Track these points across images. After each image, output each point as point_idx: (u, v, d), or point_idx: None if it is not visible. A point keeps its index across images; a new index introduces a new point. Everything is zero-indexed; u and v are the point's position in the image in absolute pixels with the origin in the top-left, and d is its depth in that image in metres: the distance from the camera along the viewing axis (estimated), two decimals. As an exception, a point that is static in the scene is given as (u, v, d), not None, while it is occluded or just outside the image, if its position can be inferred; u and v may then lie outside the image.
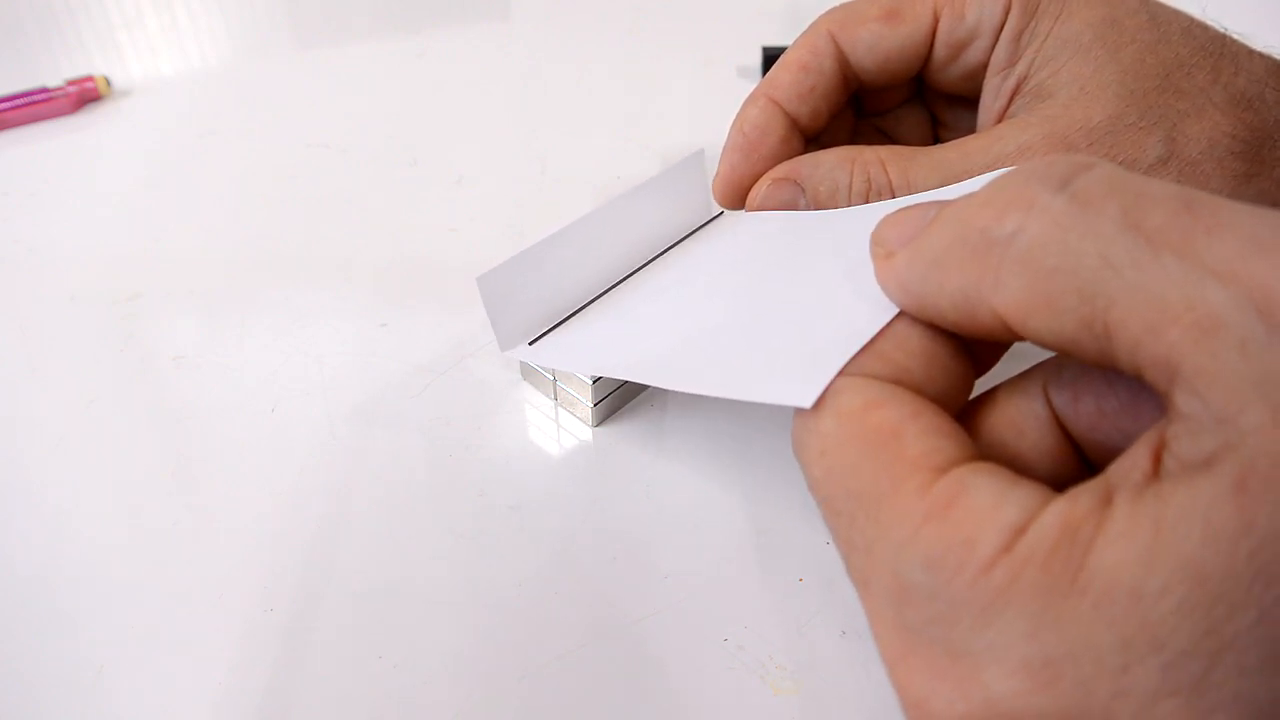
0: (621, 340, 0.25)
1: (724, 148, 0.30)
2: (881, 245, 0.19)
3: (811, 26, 0.30)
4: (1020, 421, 0.18)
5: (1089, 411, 0.17)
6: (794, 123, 0.28)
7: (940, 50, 0.29)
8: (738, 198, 0.29)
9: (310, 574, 0.23)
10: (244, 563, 0.24)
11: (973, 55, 0.28)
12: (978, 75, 0.29)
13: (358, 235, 0.35)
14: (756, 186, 0.28)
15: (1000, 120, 0.27)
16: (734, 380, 0.21)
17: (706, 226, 0.29)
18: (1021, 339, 0.16)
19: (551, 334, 0.26)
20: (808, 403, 0.17)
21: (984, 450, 0.17)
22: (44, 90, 0.43)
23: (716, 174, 0.30)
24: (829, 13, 0.30)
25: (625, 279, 0.28)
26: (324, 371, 0.29)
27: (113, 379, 0.29)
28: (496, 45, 0.49)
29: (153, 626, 0.22)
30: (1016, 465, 0.17)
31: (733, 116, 0.29)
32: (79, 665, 0.22)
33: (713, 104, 0.32)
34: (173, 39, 0.50)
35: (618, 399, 0.27)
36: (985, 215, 0.16)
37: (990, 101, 0.28)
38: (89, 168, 0.40)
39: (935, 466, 0.15)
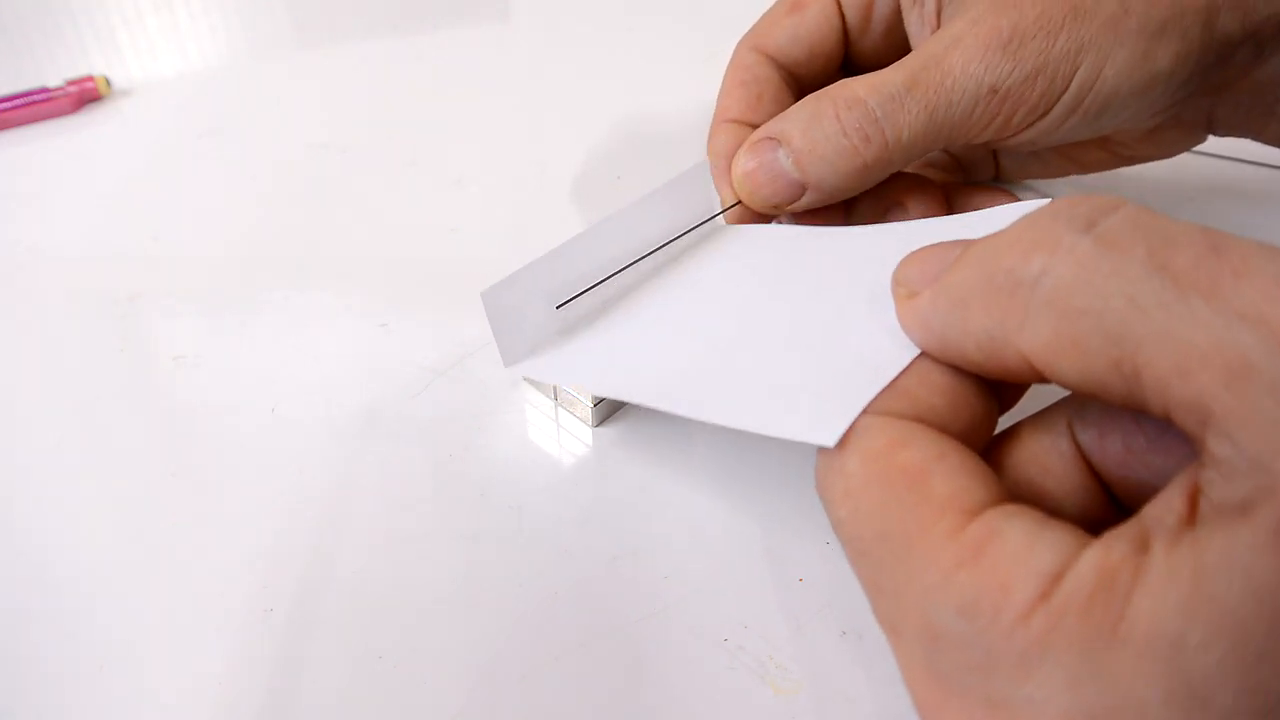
0: (631, 360, 0.24)
1: (715, 184, 0.31)
2: (903, 285, 0.19)
3: (733, 53, 0.32)
4: (1046, 459, 0.18)
5: (1116, 449, 0.17)
6: None
7: (852, 15, 0.30)
8: (750, 223, 0.29)
9: (310, 574, 0.23)
10: (244, 563, 0.24)
11: (884, 5, 0.29)
12: (898, 27, 0.30)
13: (358, 235, 0.35)
14: (735, 159, 0.28)
15: None
16: (751, 411, 0.20)
17: (716, 239, 0.29)
18: (1047, 381, 0.16)
19: (556, 350, 0.25)
20: (831, 441, 0.17)
21: (1010, 489, 0.17)
22: (44, 90, 0.43)
23: (721, 207, 0.30)
24: (743, 37, 0.32)
25: (633, 292, 0.27)
26: (324, 371, 0.29)
27: (113, 379, 0.29)
28: (496, 45, 0.49)
29: (153, 626, 0.22)
30: (1044, 504, 0.17)
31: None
32: (79, 664, 0.22)
33: (714, 104, 0.32)
34: (173, 39, 0.50)
35: (618, 399, 0.27)
36: (1011, 256, 0.16)
37: (918, 32, 0.29)
38: (89, 168, 0.40)
39: (964, 509, 0.15)
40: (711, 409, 0.20)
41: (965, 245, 0.17)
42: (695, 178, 0.28)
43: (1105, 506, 0.17)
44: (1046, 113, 0.25)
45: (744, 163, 0.28)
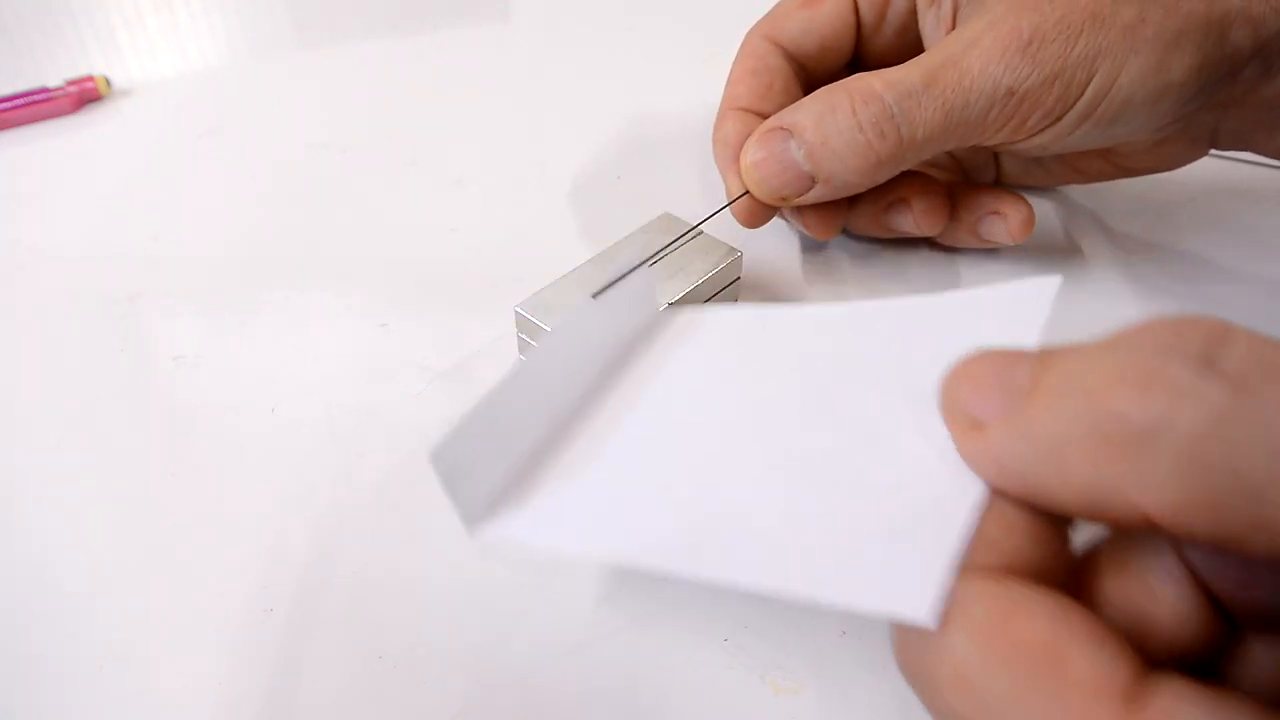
0: (626, 510, 0.19)
1: (720, 172, 0.31)
2: (962, 413, 0.16)
3: (744, 41, 0.31)
4: (1154, 584, 0.15)
5: (1233, 569, 0.15)
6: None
7: (866, 12, 0.30)
8: (756, 213, 0.29)
9: (310, 574, 0.23)
10: (244, 562, 0.24)
11: (899, 5, 0.29)
12: (911, 27, 0.30)
13: (358, 235, 0.35)
14: (745, 149, 0.28)
15: None
16: (801, 575, 0.16)
17: (680, 336, 0.23)
18: (1167, 533, 0.14)
19: (531, 503, 0.20)
20: (931, 619, 0.14)
21: (1115, 618, 0.15)
22: (44, 90, 0.43)
23: (727, 196, 0.30)
24: (755, 25, 0.31)
25: (599, 421, 0.21)
26: (324, 371, 0.29)
27: (113, 379, 0.29)
28: (496, 45, 0.49)
29: (153, 626, 0.22)
30: (1158, 634, 0.15)
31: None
32: (79, 663, 0.22)
33: (715, 104, 0.32)
34: (173, 39, 0.50)
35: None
36: (1119, 398, 0.14)
37: (934, 33, 0.29)
38: (89, 168, 0.40)
39: (1117, 692, 0.13)
40: (752, 574, 0.16)
41: (1034, 364, 0.15)
42: (637, 281, 0.23)
43: (1221, 626, 0.16)
44: (1060, 118, 0.25)
45: (754, 152, 0.28)
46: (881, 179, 0.27)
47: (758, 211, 0.29)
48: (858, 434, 0.18)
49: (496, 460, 0.20)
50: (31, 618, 0.23)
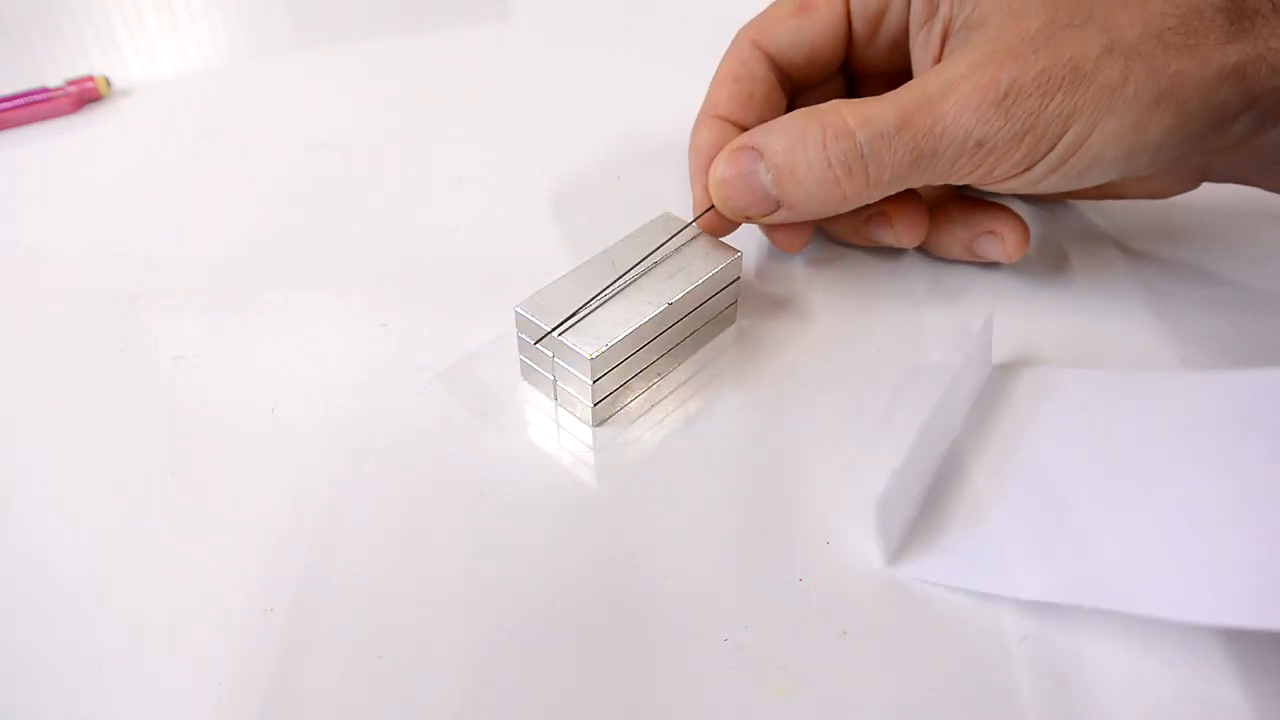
0: (1025, 550, 0.22)
1: (690, 180, 0.31)
2: None
3: (732, 43, 0.31)
4: None
5: None
6: (744, 131, 0.29)
7: (859, 26, 0.30)
8: (720, 226, 0.29)
9: (310, 574, 0.23)
10: (244, 563, 0.24)
11: (892, 21, 0.29)
12: (903, 43, 0.30)
13: (358, 235, 0.35)
14: (714, 164, 0.28)
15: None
16: (1219, 602, 0.19)
17: (1041, 387, 0.27)
18: None
19: (939, 547, 0.23)
20: None
21: None
22: (44, 90, 0.43)
23: (694, 206, 0.30)
24: (744, 26, 0.31)
25: (987, 461, 0.25)
26: (324, 371, 0.29)
27: (113, 379, 0.29)
28: (496, 45, 0.49)
29: (153, 626, 0.22)
30: None
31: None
32: (79, 663, 0.22)
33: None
34: (173, 39, 0.50)
35: (618, 398, 0.27)
36: None
37: (921, 56, 0.28)
38: (89, 168, 0.40)
39: None
40: (1156, 602, 0.19)
41: None
42: (982, 340, 0.27)
43: None
44: (1028, 169, 0.25)
45: (722, 169, 0.28)
46: (845, 210, 0.27)
47: (722, 225, 0.29)
48: (1254, 486, 0.20)
49: (909, 507, 0.24)
50: (31, 618, 0.23)
